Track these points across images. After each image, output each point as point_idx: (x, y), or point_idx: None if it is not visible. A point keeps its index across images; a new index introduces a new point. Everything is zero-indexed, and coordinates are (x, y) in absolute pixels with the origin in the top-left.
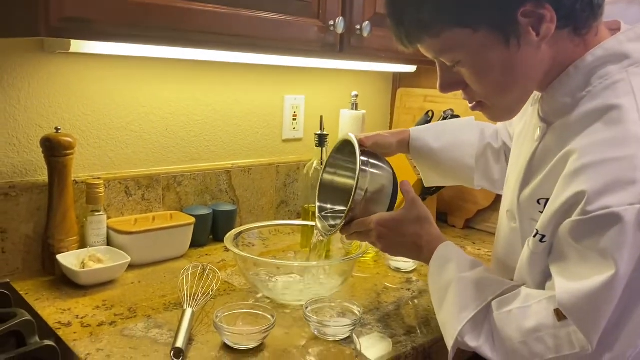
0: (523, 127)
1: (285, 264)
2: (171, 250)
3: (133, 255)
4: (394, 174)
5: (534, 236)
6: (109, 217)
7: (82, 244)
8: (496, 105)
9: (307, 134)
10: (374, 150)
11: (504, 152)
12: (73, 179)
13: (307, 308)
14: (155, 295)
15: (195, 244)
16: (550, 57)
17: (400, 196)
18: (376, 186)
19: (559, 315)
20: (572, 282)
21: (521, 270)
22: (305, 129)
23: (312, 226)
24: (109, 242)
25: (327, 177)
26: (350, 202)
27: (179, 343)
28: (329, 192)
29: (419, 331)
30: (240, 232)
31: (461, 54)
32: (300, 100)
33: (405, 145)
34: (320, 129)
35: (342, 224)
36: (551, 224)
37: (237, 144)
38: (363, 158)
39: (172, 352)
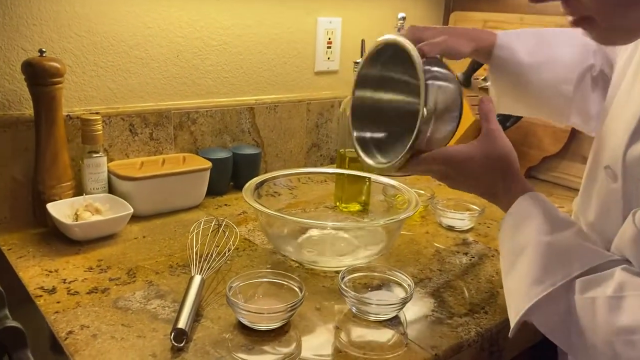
0: None
1: (315, 223)
2: (184, 199)
3: (138, 205)
4: (460, 84)
5: None
6: (110, 160)
7: (79, 191)
8: (612, 24)
9: (344, 66)
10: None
11: (602, 81)
12: (66, 113)
13: (343, 279)
14: (161, 255)
15: (213, 192)
16: None
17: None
18: (445, 103)
19: None
20: None
21: (622, 247)
22: (341, 59)
23: (349, 175)
24: (111, 189)
25: (362, 95)
26: (418, 124)
27: (182, 323)
28: (366, 116)
29: (482, 310)
30: (264, 181)
31: None
32: (336, 24)
33: (484, 54)
34: (362, 57)
35: (407, 154)
36: None
37: (262, 75)
38: (426, 67)
39: (173, 334)
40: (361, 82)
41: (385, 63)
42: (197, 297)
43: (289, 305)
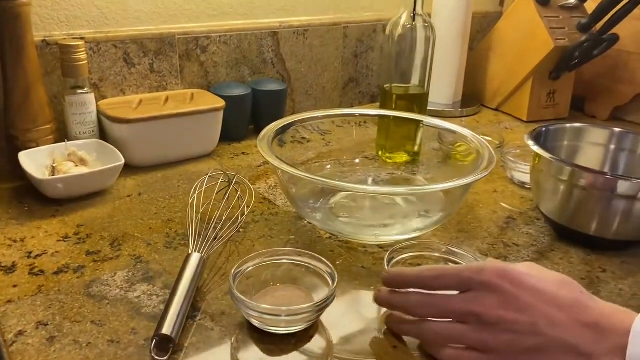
0: None
1: (351, 187)
2: (191, 146)
3: (134, 154)
4: None
5: None
6: (101, 97)
7: (64, 136)
8: None
9: None
10: None
11: None
12: (42, 38)
13: (391, 260)
14: (157, 219)
15: (228, 137)
16: None
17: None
18: None
19: None
20: None
21: None
22: None
23: (395, 117)
24: (101, 134)
25: None
26: None
27: (167, 326)
28: None
29: None
30: (287, 126)
31: None
32: None
33: None
34: None
35: None
36: None
37: None
38: None
39: (154, 342)
40: None
41: None
42: (194, 285)
43: (315, 305)
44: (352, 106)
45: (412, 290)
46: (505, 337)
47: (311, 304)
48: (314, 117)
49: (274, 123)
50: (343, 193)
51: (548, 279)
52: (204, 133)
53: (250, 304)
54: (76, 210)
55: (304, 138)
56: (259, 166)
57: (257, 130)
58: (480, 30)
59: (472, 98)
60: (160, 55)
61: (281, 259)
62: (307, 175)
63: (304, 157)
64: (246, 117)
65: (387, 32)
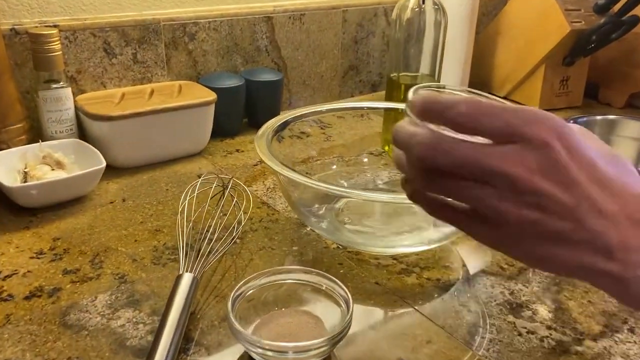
0: None
1: (364, 197)
2: (180, 144)
3: (117, 154)
4: None
5: None
6: (80, 91)
7: (37, 135)
8: None
9: None
10: None
11: None
12: (10, 26)
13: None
14: (143, 230)
15: (220, 133)
16: None
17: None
18: None
19: None
20: None
21: None
22: None
23: (400, 112)
24: (80, 132)
25: None
26: None
27: None
28: None
29: (626, 328)
30: (289, 121)
31: None
32: None
33: None
34: None
35: None
36: None
37: None
38: None
39: None
40: None
41: None
42: (186, 312)
43: (328, 340)
44: (352, 95)
45: (432, 128)
46: (531, 215)
47: (323, 339)
48: (317, 111)
49: (273, 119)
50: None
51: (603, 154)
52: (194, 129)
53: (251, 339)
54: (52, 220)
55: (303, 132)
56: (255, 165)
57: (252, 124)
58: (486, 13)
59: (478, 86)
60: (144, 44)
61: (286, 279)
62: (312, 182)
63: (305, 154)
64: (239, 110)
65: (394, 16)
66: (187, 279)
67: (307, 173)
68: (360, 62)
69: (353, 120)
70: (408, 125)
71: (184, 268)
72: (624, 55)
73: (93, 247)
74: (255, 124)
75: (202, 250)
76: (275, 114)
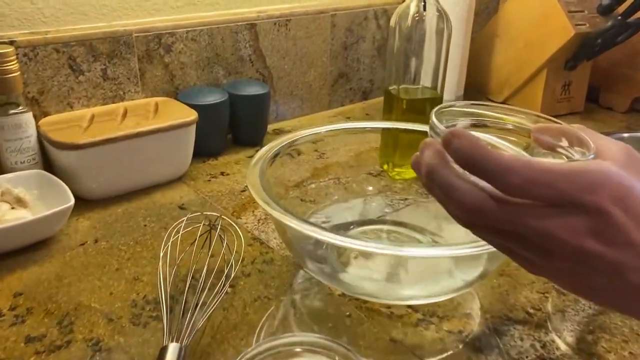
0: None
1: (383, 250)
2: (158, 170)
3: (87, 185)
4: None
5: None
6: (43, 114)
7: None
8: None
9: None
10: None
11: None
12: None
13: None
14: (120, 278)
15: (202, 153)
16: None
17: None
18: None
19: None
20: None
21: None
22: None
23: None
24: (45, 162)
25: None
26: None
27: None
28: None
29: None
30: (276, 154)
31: None
32: None
33: None
34: None
35: None
36: None
37: None
38: None
39: None
40: None
41: None
42: None
43: None
44: (342, 105)
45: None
46: (571, 266)
47: None
48: (314, 132)
49: (264, 148)
50: (354, 231)
51: None
52: (173, 153)
53: None
54: (13, 270)
55: (294, 150)
56: (242, 191)
57: (237, 141)
58: (478, 12)
59: (475, 91)
60: (115, 58)
61: (287, 344)
62: (318, 233)
63: (297, 177)
64: (223, 128)
65: (392, 23)
66: (172, 352)
67: (302, 200)
68: (350, 69)
69: (346, 134)
70: (447, 173)
71: (168, 336)
72: (627, 57)
73: (61, 304)
74: (240, 141)
75: (188, 305)
76: (262, 129)
